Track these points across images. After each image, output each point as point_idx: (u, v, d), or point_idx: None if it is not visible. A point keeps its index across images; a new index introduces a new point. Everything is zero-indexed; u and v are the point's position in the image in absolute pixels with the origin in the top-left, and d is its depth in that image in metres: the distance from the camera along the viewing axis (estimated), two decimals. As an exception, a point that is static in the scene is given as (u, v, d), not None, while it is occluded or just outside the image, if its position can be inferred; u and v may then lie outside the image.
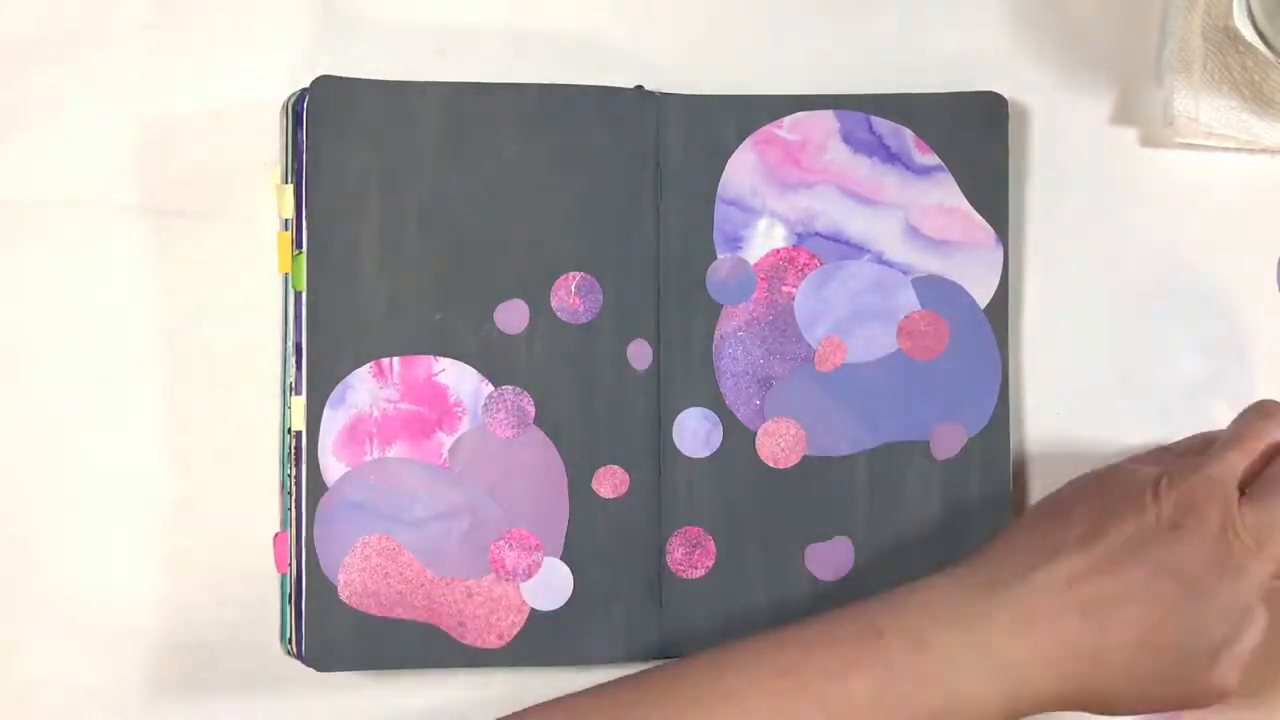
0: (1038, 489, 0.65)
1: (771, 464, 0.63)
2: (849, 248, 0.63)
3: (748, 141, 0.63)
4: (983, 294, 0.63)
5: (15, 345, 0.63)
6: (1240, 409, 0.64)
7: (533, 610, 0.61)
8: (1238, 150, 0.66)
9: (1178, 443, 0.62)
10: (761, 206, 0.63)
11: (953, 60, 0.65)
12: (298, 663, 0.61)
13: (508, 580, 0.61)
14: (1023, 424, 0.65)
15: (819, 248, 0.63)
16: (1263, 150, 0.66)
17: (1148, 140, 0.66)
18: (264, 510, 0.62)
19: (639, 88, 0.63)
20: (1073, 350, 0.65)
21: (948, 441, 0.63)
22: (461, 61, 0.64)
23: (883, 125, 0.64)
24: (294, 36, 0.64)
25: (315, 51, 0.64)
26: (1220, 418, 0.64)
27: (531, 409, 0.62)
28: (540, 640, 0.61)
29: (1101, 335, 0.65)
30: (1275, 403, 0.59)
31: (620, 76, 0.63)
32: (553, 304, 0.62)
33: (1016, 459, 0.64)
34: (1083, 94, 0.66)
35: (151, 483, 0.63)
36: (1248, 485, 0.56)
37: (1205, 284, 0.65)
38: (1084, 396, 0.65)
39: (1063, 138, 0.65)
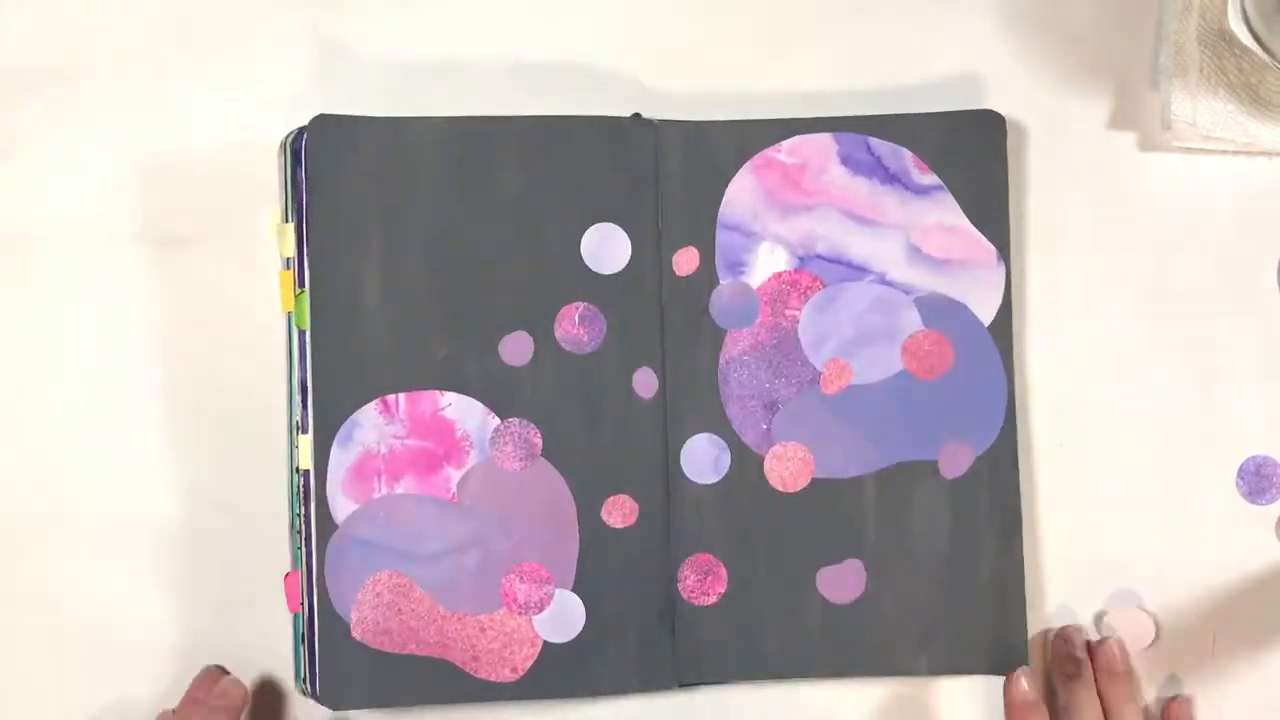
0: (1045, 505, 0.65)
1: (780, 488, 0.63)
2: (851, 269, 0.63)
3: (747, 166, 0.63)
4: (986, 312, 0.63)
5: (17, 376, 0.63)
6: (1242, 413, 0.63)
7: (546, 643, 0.61)
8: (1235, 153, 0.66)
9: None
10: (762, 230, 0.63)
11: (950, 69, 0.65)
12: (316, 704, 0.60)
13: (520, 614, 0.61)
14: (1030, 440, 0.65)
15: (821, 270, 0.63)
16: (1260, 152, 0.66)
17: (1146, 144, 0.66)
18: (275, 550, 0.62)
19: (636, 116, 0.63)
20: (1077, 360, 0.65)
21: (956, 460, 0.63)
22: (460, 94, 0.64)
23: (881, 146, 0.64)
24: (294, 68, 0.64)
25: (315, 83, 0.64)
26: (1219, 420, 0.65)
27: (539, 440, 0.62)
28: (554, 672, 0.61)
29: (1103, 343, 0.65)
30: None
31: (617, 104, 0.63)
32: (557, 335, 0.62)
33: (1024, 475, 0.64)
34: (1080, 100, 0.66)
35: (160, 521, 0.63)
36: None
37: (1204, 286, 0.65)
38: (1088, 409, 0.65)
39: (1061, 143, 0.65)
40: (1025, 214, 0.65)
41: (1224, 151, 0.66)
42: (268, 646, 0.62)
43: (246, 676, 0.63)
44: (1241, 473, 0.65)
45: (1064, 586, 0.65)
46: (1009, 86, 0.65)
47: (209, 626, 0.63)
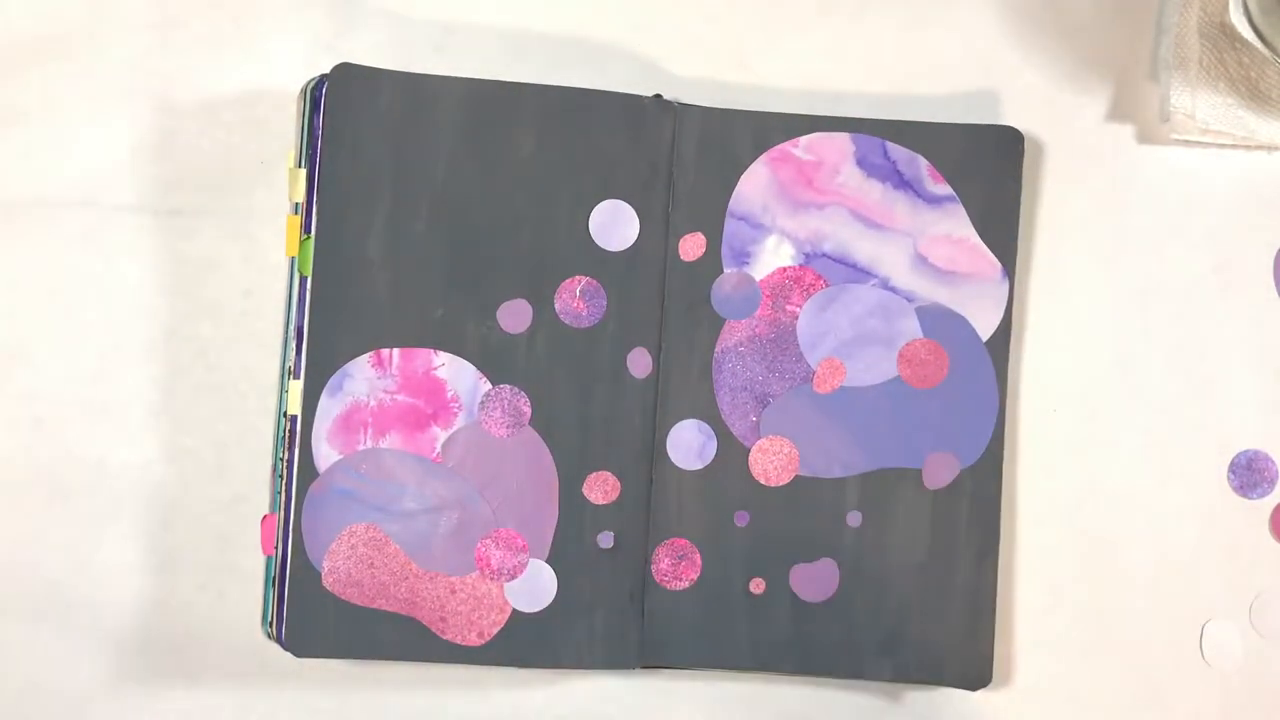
0: (1027, 524, 0.65)
1: (763, 481, 0.63)
2: (855, 271, 0.64)
3: (762, 158, 0.63)
4: (985, 327, 0.63)
5: (15, 336, 0.63)
6: (1233, 407, 0.64)
7: (515, 611, 0.61)
8: (1234, 147, 0.66)
9: None
10: (771, 224, 0.63)
11: (949, 58, 0.66)
12: (287, 653, 0.60)
13: (491, 579, 0.61)
14: (1017, 444, 0.65)
15: (826, 269, 0.63)
16: (1258, 146, 0.66)
17: (1144, 137, 0.66)
18: (258, 497, 0.63)
19: (657, 96, 0.63)
20: (1070, 353, 0.65)
21: (940, 471, 0.63)
22: (458, 60, 0.64)
23: (898, 151, 0.64)
24: (289, 36, 0.64)
25: (311, 50, 0.64)
26: (1211, 414, 0.65)
27: (528, 409, 0.62)
28: (520, 641, 0.61)
29: (1095, 335, 0.65)
30: None
31: (636, 84, 0.63)
32: (556, 306, 0.62)
33: (1008, 493, 0.64)
34: (1079, 91, 0.66)
35: (145, 476, 0.63)
36: None
37: (1199, 279, 0.65)
38: (1080, 399, 0.65)
39: (1059, 134, 0.65)
40: (1023, 207, 0.65)
41: (1221, 145, 0.66)
42: (246, 594, 0.63)
43: (223, 624, 0.63)
44: (1233, 467, 0.65)
45: (1054, 586, 0.64)
46: (1007, 76, 0.65)
47: (189, 571, 0.63)
